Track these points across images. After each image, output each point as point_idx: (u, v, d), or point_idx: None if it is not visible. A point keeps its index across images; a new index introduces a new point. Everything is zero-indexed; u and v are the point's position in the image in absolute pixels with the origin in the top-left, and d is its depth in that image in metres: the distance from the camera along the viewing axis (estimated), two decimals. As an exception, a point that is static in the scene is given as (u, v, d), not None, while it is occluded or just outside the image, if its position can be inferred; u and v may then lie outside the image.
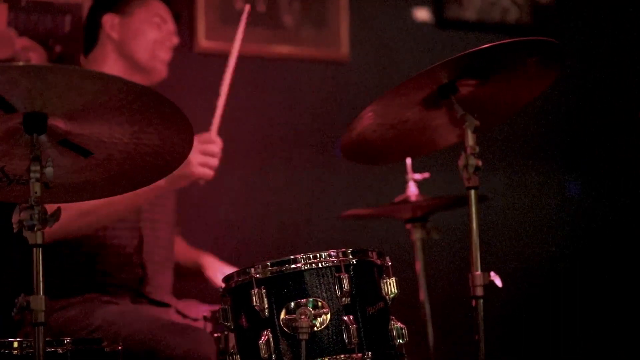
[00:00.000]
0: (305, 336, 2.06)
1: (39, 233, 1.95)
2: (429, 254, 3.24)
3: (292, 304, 2.09)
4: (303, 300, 2.09)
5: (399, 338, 2.17)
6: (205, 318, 2.73)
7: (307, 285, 2.11)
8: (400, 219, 3.28)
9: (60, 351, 2.16)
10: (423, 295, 3.23)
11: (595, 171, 4.63)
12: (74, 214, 2.70)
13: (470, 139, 2.39)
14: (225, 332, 2.50)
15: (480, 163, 2.37)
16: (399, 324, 2.18)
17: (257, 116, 4.07)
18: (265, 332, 2.10)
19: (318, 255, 2.13)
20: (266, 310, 2.11)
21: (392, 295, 2.19)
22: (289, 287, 2.11)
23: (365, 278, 2.17)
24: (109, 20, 3.12)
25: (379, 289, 2.19)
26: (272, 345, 2.09)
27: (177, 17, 3.23)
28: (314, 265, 2.12)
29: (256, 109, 4.07)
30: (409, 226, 3.23)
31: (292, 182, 4.12)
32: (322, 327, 2.09)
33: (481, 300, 2.37)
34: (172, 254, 3.19)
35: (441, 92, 2.43)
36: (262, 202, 4.04)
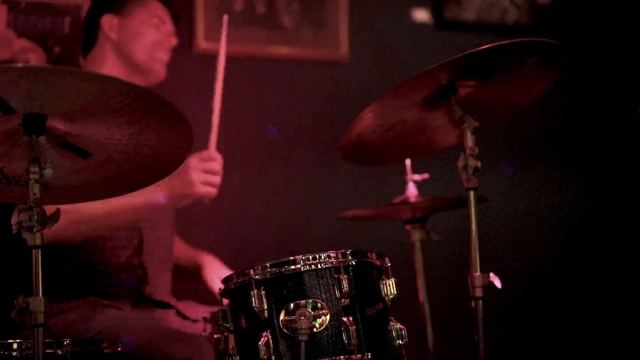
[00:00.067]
0: (304, 337, 2.06)
1: (38, 234, 1.95)
2: (429, 255, 3.24)
3: (292, 305, 2.09)
4: (302, 302, 2.09)
5: (399, 339, 2.17)
6: (204, 319, 2.73)
7: (306, 286, 2.11)
8: (399, 220, 3.28)
9: (60, 352, 2.16)
10: (422, 296, 3.23)
11: (594, 171, 4.63)
12: (72, 221, 2.70)
13: (469, 140, 2.39)
14: (225, 334, 2.50)
15: (479, 164, 2.37)
16: (399, 325, 2.18)
17: (256, 117, 4.07)
18: (264, 334, 2.10)
19: (317, 256, 2.13)
20: (265, 312, 2.11)
21: (391, 296, 2.19)
22: (288, 288, 2.11)
23: (365, 279, 2.17)
24: (108, 21, 3.12)
25: (379, 290, 2.19)
26: (272, 346, 2.09)
27: (175, 18, 3.23)
28: (313, 266, 2.12)
29: (255, 110, 4.07)
30: (408, 227, 3.23)
31: (291, 183, 4.12)
32: (322, 328, 2.09)
33: (480, 301, 2.37)
34: (171, 254, 3.19)
35: (440, 93, 2.44)
36: (262, 202, 4.04)
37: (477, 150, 2.38)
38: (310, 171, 4.14)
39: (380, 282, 2.19)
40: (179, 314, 3.03)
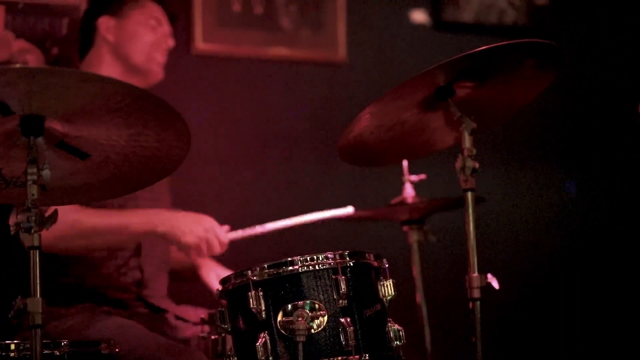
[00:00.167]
0: (302, 338, 2.06)
1: (36, 235, 1.95)
2: (426, 256, 3.24)
3: (289, 306, 2.09)
4: (300, 303, 2.09)
5: (396, 340, 2.17)
6: (203, 320, 2.72)
7: (304, 287, 2.11)
8: (397, 221, 3.28)
9: (58, 354, 2.16)
10: (420, 297, 3.23)
11: (592, 171, 4.63)
12: (64, 236, 2.74)
13: (467, 141, 2.39)
14: (223, 335, 2.50)
15: (477, 165, 2.37)
16: (396, 326, 2.18)
17: (255, 118, 4.07)
18: (262, 335, 2.10)
19: (315, 257, 2.13)
20: (263, 313, 2.11)
21: (389, 297, 2.19)
22: (286, 289, 2.11)
23: (363, 280, 2.17)
24: (104, 23, 3.12)
25: (376, 291, 2.19)
26: (269, 347, 2.09)
27: (172, 19, 3.23)
28: (311, 267, 2.12)
29: (254, 111, 4.07)
30: (405, 228, 3.23)
31: (290, 184, 4.12)
32: (319, 329, 2.09)
33: (478, 302, 2.38)
34: (168, 256, 3.19)
35: (438, 94, 2.44)
36: (261, 203, 4.04)
37: (474, 152, 2.39)
38: (309, 172, 4.14)
39: (378, 283, 2.19)
40: (177, 317, 3.02)
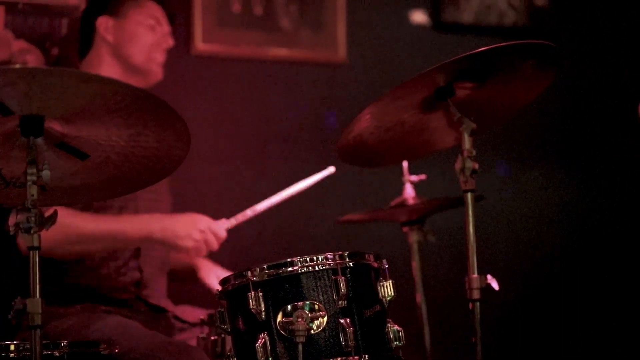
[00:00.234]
0: (302, 339, 2.06)
1: (35, 236, 1.95)
2: (426, 257, 3.24)
3: (289, 306, 2.09)
4: (300, 303, 2.09)
5: (396, 341, 2.17)
6: (202, 321, 2.72)
7: (303, 288, 2.11)
8: (397, 222, 3.28)
9: (57, 354, 2.16)
10: (420, 297, 3.23)
11: (592, 171, 4.63)
12: (62, 241, 2.75)
13: (467, 142, 2.39)
14: (222, 335, 2.50)
15: (477, 166, 2.37)
16: (396, 327, 2.18)
17: (255, 118, 4.07)
18: (262, 335, 2.10)
19: (315, 258, 2.13)
20: (263, 313, 2.10)
21: (389, 298, 2.19)
22: (285, 290, 2.11)
23: (362, 281, 2.17)
24: (103, 23, 3.11)
25: (376, 292, 2.19)
26: (269, 348, 2.09)
27: (171, 18, 3.23)
28: (310, 268, 2.12)
29: (254, 111, 4.07)
30: (405, 229, 3.23)
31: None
32: (319, 330, 2.09)
33: (478, 303, 2.37)
34: (167, 257, 3.19)
35: (438, 95, 2.44)
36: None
37: (474, 152, 2.38)
38: (309, 172, 4.14)
39: (378, 284, 2.19)
40: (176, 318, 3.02)
